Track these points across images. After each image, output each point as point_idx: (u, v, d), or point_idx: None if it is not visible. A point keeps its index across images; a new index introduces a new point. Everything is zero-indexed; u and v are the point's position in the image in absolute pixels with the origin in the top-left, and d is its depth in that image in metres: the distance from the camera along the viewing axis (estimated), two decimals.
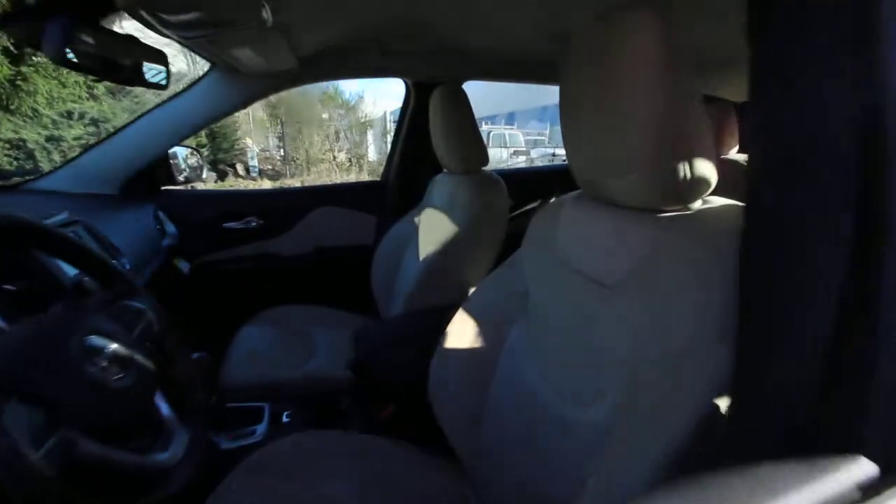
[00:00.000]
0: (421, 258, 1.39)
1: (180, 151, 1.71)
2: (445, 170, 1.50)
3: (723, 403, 0.48)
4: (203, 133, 9.37)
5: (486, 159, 1.38)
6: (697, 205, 0.60)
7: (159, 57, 1.00)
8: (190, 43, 1.09)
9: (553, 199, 0.86)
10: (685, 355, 0.51)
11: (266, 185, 9.51)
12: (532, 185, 2.09)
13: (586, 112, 0.63)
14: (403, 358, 1.01)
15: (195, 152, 1.79)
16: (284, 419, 1.06)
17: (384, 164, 1.90)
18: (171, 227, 1.51)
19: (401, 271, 1.52)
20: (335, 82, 11.10)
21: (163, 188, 1.59)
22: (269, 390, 1.16)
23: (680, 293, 0.54)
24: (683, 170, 0.55)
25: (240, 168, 10.29)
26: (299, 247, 1.73)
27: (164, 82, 0.98)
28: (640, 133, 0.55)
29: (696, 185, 0.56)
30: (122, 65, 0.92)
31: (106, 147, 1.38)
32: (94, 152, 1.38)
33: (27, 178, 1.35)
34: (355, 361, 1.01)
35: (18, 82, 6.59)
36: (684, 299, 0.53)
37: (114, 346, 0.56)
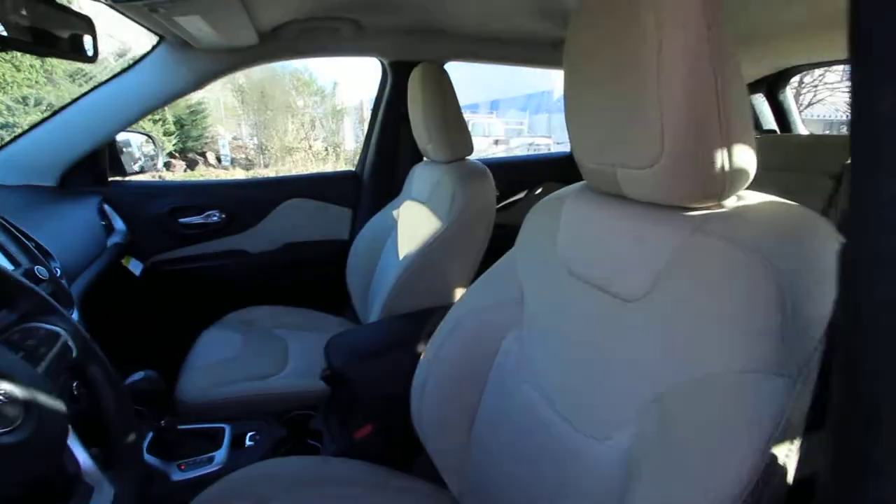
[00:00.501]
0: (400, 256, 1.28)
1: (133, 138, 1.54)
2: (426, 158, 1.38)
3: (782, 453, 0.38)
4: (171, 120, 8.97)
5: (470, 147, 1.27)
6: (732, 201, 0.50)
7: (87, 25, 0.84)
8: (128, 11, 0.94)
9: (550, 195, 0.76)
10: (728, 386, 0.41)
11: (239, 174, 9.17)
12: (518, 174, 1.99)
13: (597, 88, 0.52)
14: (381, 370, 0.90)
15: (149, 139, 1.63)
16: (248, 442, 0.94)
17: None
18: (119, 223, 1.35)
19: (378, 270, 1.40)
20: (309, 68, 10.74)
21: (110, 179, 1.42)
22: (231, 408, 1.03)
23: (717, 309, 0.44)
24: (721, 158, 0.45)
25: (210, 157, 9.90)
26: (267, 243, 1.59)
27: (90, 53, 0.83)
28: (668, 112, 0.44)
29: (735, 178, 0.46)
30: (52, 35, 0.77)
31: (40, 133, 1.21)
32: (26, 139, 1.21)
33: None
34: (329, 373, 0.90)
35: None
36: (723, 317, 0.43)
37: (3, 386, 0.43)
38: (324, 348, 0.95)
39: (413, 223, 1.30)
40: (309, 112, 10.79)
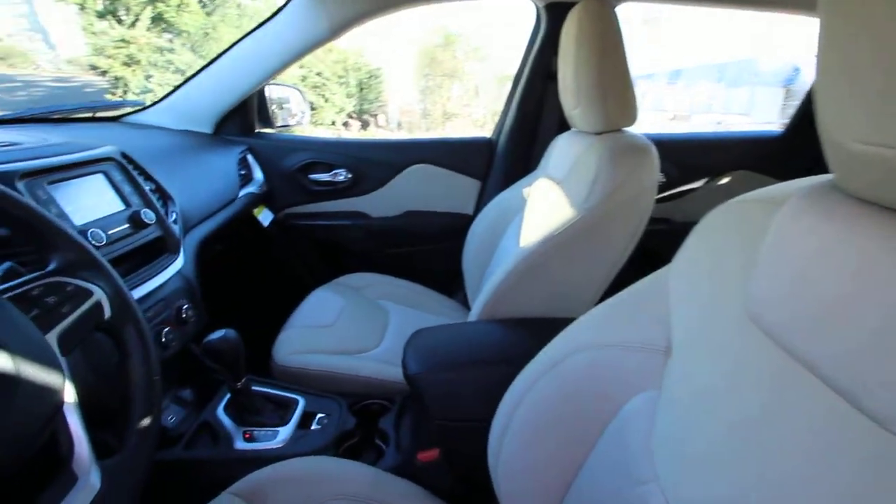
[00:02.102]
0: (521, 243, 1.06)
1: (292, 94, 1.59)
2: (574, 128, 1.10)
3: None
4: (353, 83, 9.89)
5: (632, 115, 0.95)
6: None
7: None
8: None
9: (749, 194, 0.46)
10: None
11: (402, 136, 9.74)
12: (696, 156, 1.55)
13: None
14: (462, 389, 0.73)
15: (299, 92, 1.66)
16: (315, 424, 0.87)
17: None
18: (258, 174, 1.40)
19: (495, 256, 1.20)
20: (486, 35, 10.65)
21: (257, 130, 1.49)
22: (312, 379, 0.98)
23: None
24: None
25: (381, 119, 10.71)
26: (388, 208, 1.51)
27: None
28: None
29: None
30: None
31: (198, 82, 1.29)
32: (187, 87, 1.30)
33: (132, 110, 1.33)
34: (405, 375, 0.76)
35: (208, 31, 7.58)
36: None
37: None
38: (405, 344, 0.81)
39: (542, 206, 1.06)
40: (475, 78, 10.82)
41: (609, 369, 0.53)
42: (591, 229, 0.87)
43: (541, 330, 0.87)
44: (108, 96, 6.59)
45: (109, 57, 6.69)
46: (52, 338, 0.45)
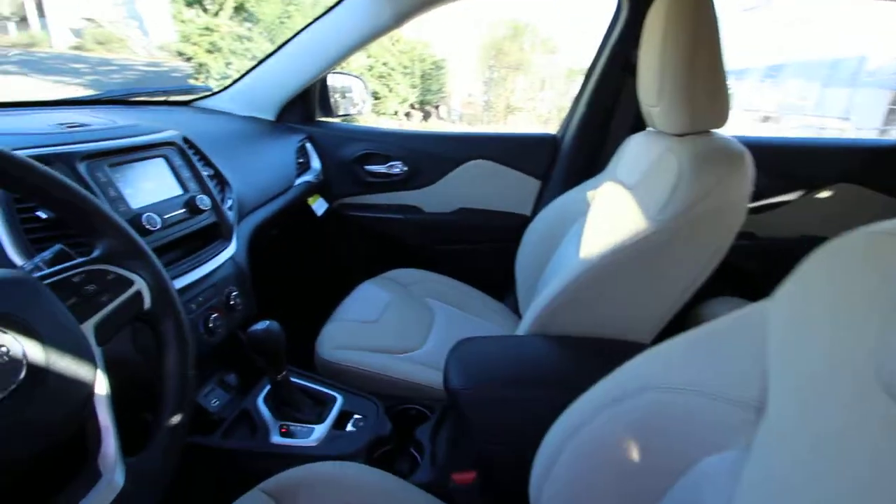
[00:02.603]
0: (582, 253, 0.97)
1: (354, 83, 1.58)
2: (651, 127, 0.99)
3: None
4: (418, 73, 9.94)
5: (723, 115, 0.83)
6: None
7: None
8: None
9: (879, 225, 0.36)
10: None
11: (461, 128, 9.69)
12: (792, 164, 1.36)
13: None
14: (507, 411, 0.66)
15: (361, 82, 1.65)
16: (350, 426, 0.84)
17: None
18: (315, 163, 1.40)
19: (552, 263, 1.12)
20: (557, 26, 10.31)
21: (318, 119, 1.49)
22: (351, 376, 0.96)
23: None
24: None
25: (443, 111, 10.70)
26: (442, 204, 1.46)
27: None
28: None
29: None
30: None
31: (262, 71, 1.30)
32: (252, 75, 1.31)
33: (202, 95, 1.37)
34: (447, 388, 0.71)
35: (283, 20, 7.88)
36: None
37: (12, 342, 0.36)
38: (448, 354, 0.76)
39: (609, 213, 0.96)
40: (542, 71, 10.52)
41: (682, 419, 0.45)
42: (666, 245, 0.77)
43: (599, 353, 0.79)
44: (192, 81, 7.06)
45: (195, 44, 7.14)
46: (88, 327, 0.44)
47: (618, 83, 1.24)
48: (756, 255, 1.41)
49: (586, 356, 0.75)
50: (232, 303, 0.86)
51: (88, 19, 10.00)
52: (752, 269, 1.40)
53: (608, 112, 1.27)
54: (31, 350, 0.38)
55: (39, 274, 0.42)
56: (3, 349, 0.36)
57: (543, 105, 10.47)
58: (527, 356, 0.75)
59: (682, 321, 0.84)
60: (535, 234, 1.24)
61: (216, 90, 1.36)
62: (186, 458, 0.74)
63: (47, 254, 0.50)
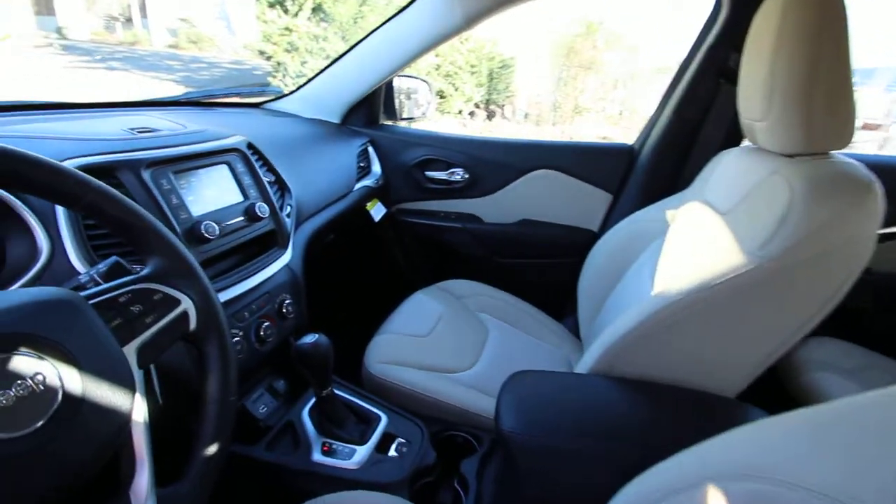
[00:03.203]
0: (656, 286, 0.87)
1: (420, 86, 1.56)
2: (752, 143, 0.86)
3: None
4: (484, 73, 9.85)
5: (849, 135, 0.70)
6: None
7: None
8: None
9: None
10: None
11: (527, 130, 9.49)
12: None
13: None
14: (563, 467, 0.59)
15: (427, 84, 1.61)
16: (392, 451, 0.80)
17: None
18: (376, 167, 1.38)
19: (620, 289, 1.02)
20: (633, 24, 9.81)
21: (381, 122, 1.47)
22: (396, 395, 0.92)
23: None
24: None
25: (508, 111, 10.54)
26: (503, 214, 1.39)
27: None
28: None
29: None
30: None
31: (329, 73, 1.30)
32: (320, 78, 1.32)
33: (272, 97, 1.39)
34: (497, 428, 0.64)
35: (357, 19, 8.10)
36: None
37: (43, 369, 0.35)
38: (500, 388, 0.69)
39: (694, 239, 0.85)
40: (614, 70, 10.04)
41: None
42: (766, 286, 0.66)
43: (677, 406, 0.69)
44: (270, 79, 7.45)
45: (274, 43, 7.53)
46: (130, 350, 0.43)
47: (711, 91, 1.10)
48: (870, 291, 1.21)
49: (661, 408, 0.66)
50: (284, 311, 0.85)
51: (183, 20, 10.90)
52: (865, 307, 1.20)
53: (697, 123, 1.14)
54: (68, 378, 0.36)
55: (87, 293, 0.41)
56: (39, 377, 0.35)
57: (613, 105, 10.01)
58: (591, 401, 0.67)
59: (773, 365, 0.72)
60: (602, 253, 1.14)
61: (286, 92, 1.38)
62: (228, 466, 0.74)
63: (102, 266, 0.49)
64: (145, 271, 0.46)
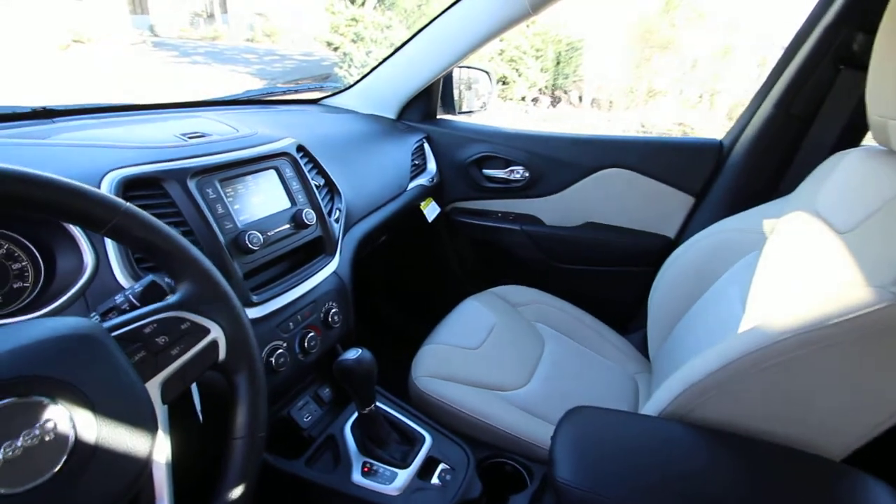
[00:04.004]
0: (753, 312, 0.74)
1: (481, 77, 1.47)
2: (874, 142, 0.70)
3: None
4: (550, 56, 9.46)
5: None
6: None
7: None
8: None
9: None
10: None
11: (592, 115, 9.02)
12: None
13: None
14: None
15: (487, 75, 1.53)
16: (435, 478, 0.75)
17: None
18: (431, 164, 1.33)
19: (698, 309, 0.90)
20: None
21: (438, 116, 1.40)
22: (442, 414, 0.86)
23: None
24: None
25: (574, 95, 10.07)
26: (566, 216, 1.28)
27: None
28: None
29: None
30: None
31: (387, 67, 1.25)
32: (378, 71, 1.27)
33: (331, 92, 1.37)
34: (551, 476, 0.57)
35: (421, 5, 8.06)
36: None
37: (62, 415, 0.32)
38: (556, 427, 0.61)
39: (802, 260, 0.71)
40: (693, 51, 9.23)
41: None
42: None
43: (771, 465, 0.57)
44: (337, 69, 7.63)
45: (341, 34, 7.69)
46: (154, 385, 0.40)
47: (827, 79, 0.92)
48: None
49: (752, 468, 0.55)
50: (330, 320, 0.82)
51: (259, 14, 11.44)
52: None
53: (806, 118, 0.96)
54: (82, 423, 0.34)
55: (109, 323, 0.39)
56: (50, 424, 0.32)
57: (692, 88, 9.23)
58: (664, 453, 0.57)
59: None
60: (680, 264, 1.01)
61: (346, 86, 1.35)
62: (266, 478, 0.72)
63: (138, 286, 0.48)
64: (174, 298, 0.43)
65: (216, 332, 0.45)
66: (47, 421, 0.32)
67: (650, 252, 1.19)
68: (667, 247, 1.18)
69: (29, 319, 0.36)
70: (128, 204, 0.40)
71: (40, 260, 0.54)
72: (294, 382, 0.82)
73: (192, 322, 0.43)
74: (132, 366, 0.38)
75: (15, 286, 0.53)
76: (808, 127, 0.97)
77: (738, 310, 0.80)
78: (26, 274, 0.54)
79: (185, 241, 0.44)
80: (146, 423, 0.38)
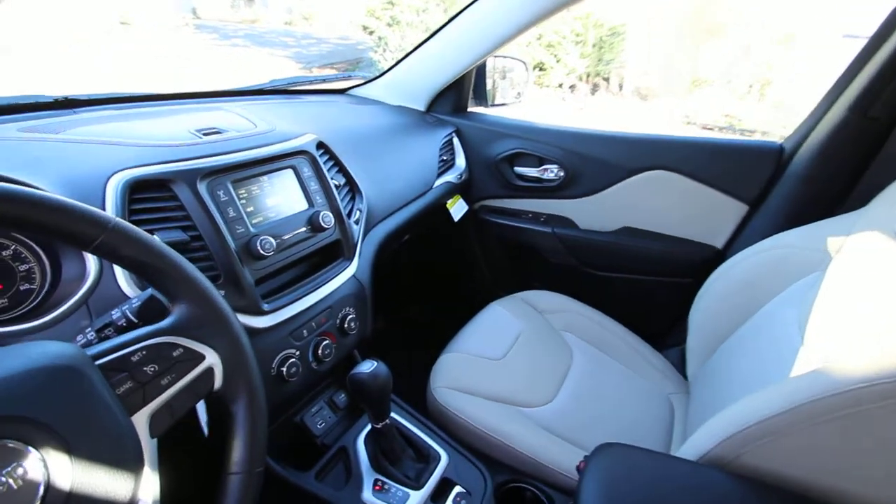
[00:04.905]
0: (810, 341, 0.65)
1: (516, 66, 1.39)
2: None
3: None
4: (591, 42, 9.09)
5: None
6: None
7: None
8: None
9: None
10: None
11: (631, 105, 8.65)
12: None
13: None
14: None
15: (523, 65, 1.44)
16: (450, 502, 0.71)
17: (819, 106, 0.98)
18: (460, 160, 1.26)
19: (749, 329, 0.81)
20: None
21: (469, 109, 1.34)
22: (459, 430, 0.82)
23: None
24: None
25: (614, 83, 9.68)
26: (602, 220, 1.20)
27: None
28: None
29: None
30: None
31: (418, 56, 1.18)
32: (408, 60, 1.21)
33: (359, 82, 1.32)
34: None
35: None
36: None
37: (33, 460, 0.29)
38: (585, 467, 0.56)
39: (881, 288, 0.62)
40: (743, 37, 8.67)
41: None
42: None
43: None
44: (371, 54, 7.58)
45: (377, 17, 7.60)
46: (141, 418, 0.37)
47: None
48: None
49: None
50: (346, 326, 0.78)
51: None
52: None
53: (888, 121, 0.84)
54: (56, 467, 0.30)
55: (94, 350, 0.35)
56: (20, 470, 0.29)
57: (742, 77, 8.70)
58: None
59: None
60: (729, 278, 0.92)
61: (372, 77, 1.30)
62: (274, 490, 0.70)
63: (136, 301, 0.44)
64: (166, 322, 0.40)
65: (212, 359, 0.41)
66: (16, 466, 0.29)
67: (693, 262, 1.10)
68: (713, 258, 1.08)
69: (5, 348, 0.33)
70: (116, 219, 0.37)
71: (47, 262, 0.52)
72: (307, 390, 0.79)
73: (185, 348, 0.40)
74: (117, 398, 0.35)
75: (22, 288, 0.51)
76: (888, 133, 0.85)
77: (795, 337, 0.71)
78: (33, 276, 0.52)
79: (179, 259, 0.40)
80: (129, 462, 0.34)
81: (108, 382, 0.35)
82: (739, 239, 1.05)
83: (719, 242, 1.09)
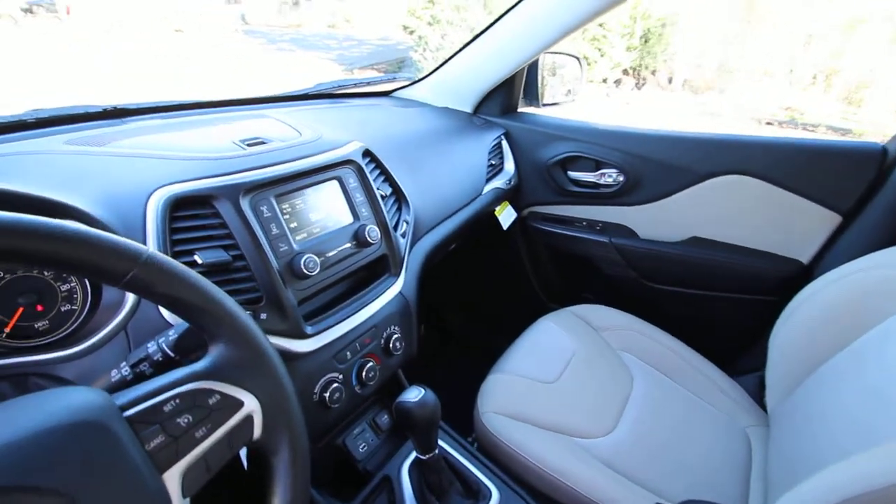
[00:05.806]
0: None
1: (568, 62, 1.31)
2: None
3: None
4: (638, 34, 8.73)
5: None
6: None
7: None
8: None
9: None
10: None
11: (680, 99, 8.24)
12: None
13: None
14: None
15: (577, 62, 1.35)
16: None
17: None
18: (509, 165, 1.19)
19: (845, 360, 0.70)
20: None
21: (520, 110, 1.26)
22: (516, 463, 0.75)
23: None
24: None
25: (662, 76, 9.26)
26: (667, 229, 1.09)
27: None
28: None
29: None
30: None
31: (463, 56, 1.12)
32: (455, 61, 1.15)
33: (403, 84, 1.28)
34: None
35: None
36: None
37: None
38: None
39: None
40: (807, 23, 8.05)
41: None
42: None
43: None
44: (412, 53, 7.59)
45: (417, 17, 7.60)
46: (173, 475, 0.32)
47: None
48: None
49: None
50: (391, 346, 0.73)
51: None
52: None
53: None
54: None
55: (122, 400, 0.32)
56: None
57: (804, 68, 8.11)
58: None
59: None
60: (821, 299, 0.80)
61: (417, 79, 1.25)
62: None
63: (173, 333, 0.41)
64: (202, 365, 0.35)
65: (251, 405, 0.37)
66: None
67: (774, 278, 0.98)
68: (798, 274, 0.96)
69: (22, 400, 0.30)
70: (149, 252, 0.33)
71: (87, 283, 0.50)
72: (349, 413, 0.75)
73: (222, 394, 0.35)
74: (146, 455, 0.31)
75: (63, 309, 0.49)
76: None
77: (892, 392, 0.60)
78: (75, 296, 0.50)
79: (219, 294, 0.36)
80: None
81: (136, 437, 0.31)
82: (830, 254, 0.92)
83: (804, 257, 0.96)
